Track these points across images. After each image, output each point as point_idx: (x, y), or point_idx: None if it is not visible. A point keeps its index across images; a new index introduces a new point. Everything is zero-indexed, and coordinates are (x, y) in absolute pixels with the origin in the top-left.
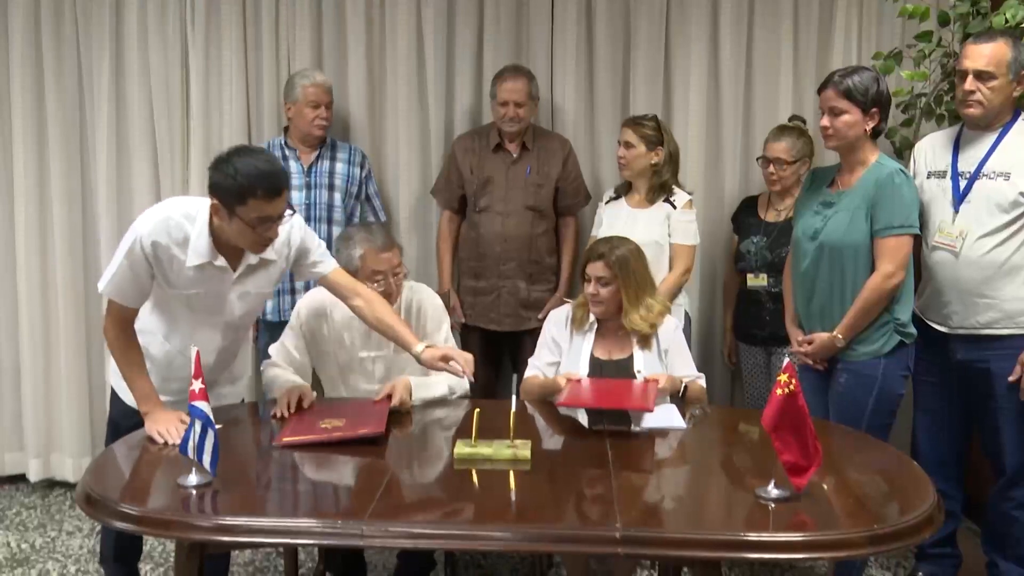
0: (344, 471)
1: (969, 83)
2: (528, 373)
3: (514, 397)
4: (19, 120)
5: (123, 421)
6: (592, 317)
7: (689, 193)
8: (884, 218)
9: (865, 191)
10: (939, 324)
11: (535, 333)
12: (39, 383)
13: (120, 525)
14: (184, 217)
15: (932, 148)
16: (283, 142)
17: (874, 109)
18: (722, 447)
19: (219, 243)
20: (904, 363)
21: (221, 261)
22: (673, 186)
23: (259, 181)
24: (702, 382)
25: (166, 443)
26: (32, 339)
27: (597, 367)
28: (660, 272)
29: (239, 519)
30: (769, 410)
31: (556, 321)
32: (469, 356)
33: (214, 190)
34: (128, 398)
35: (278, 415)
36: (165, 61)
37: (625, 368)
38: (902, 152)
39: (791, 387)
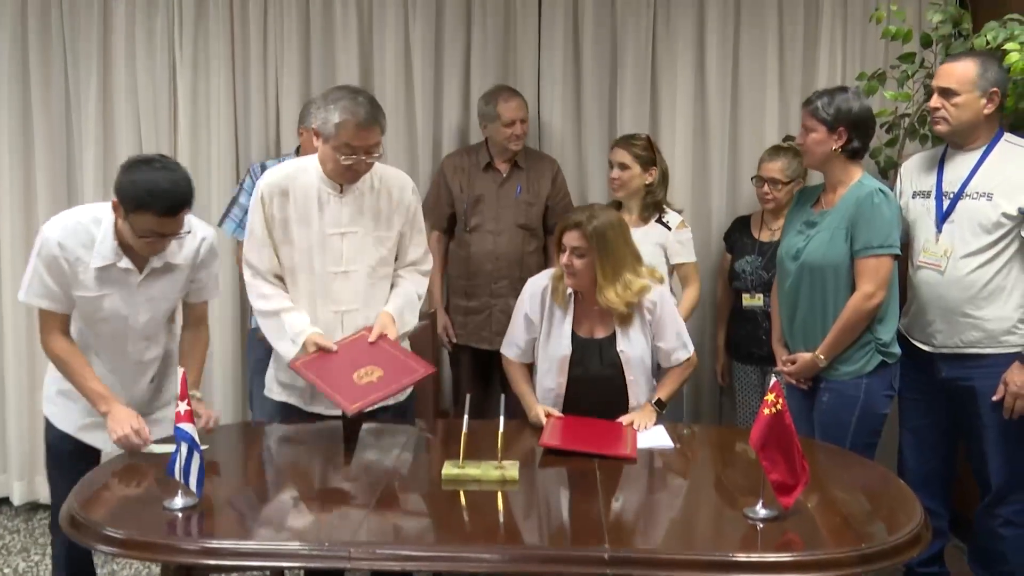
0: (331, 492)
1: (934, 100)
2: (508, 353)
3: (502, 418)
4: (5, 138)
5: (61, 445)
6: (570, 289)
7: (679, 211)
8: (863, 238)
9: (845, 211)
10: (923, 343)
11: None
12: (23, 404)
13: (105, 548)
14: (92, 221)
15: (917, 168)
16: None
17: (840, 128)
18: (710, 467)
19: (124, 245)
20: (887, 382)
21: (126, 262)
22: (664, 205)
23: (155, 200)
24: (683, 354)
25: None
26: (16, 359)
27: (580, 346)
28: None
29: (225, 542)
30: (756, 429)
31: (531, 295)
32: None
33: (116, 188)
34: (61, 423)
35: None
36: (153, 81)
37: (608, 347)
38: (887, 172)
39: (778, 406)
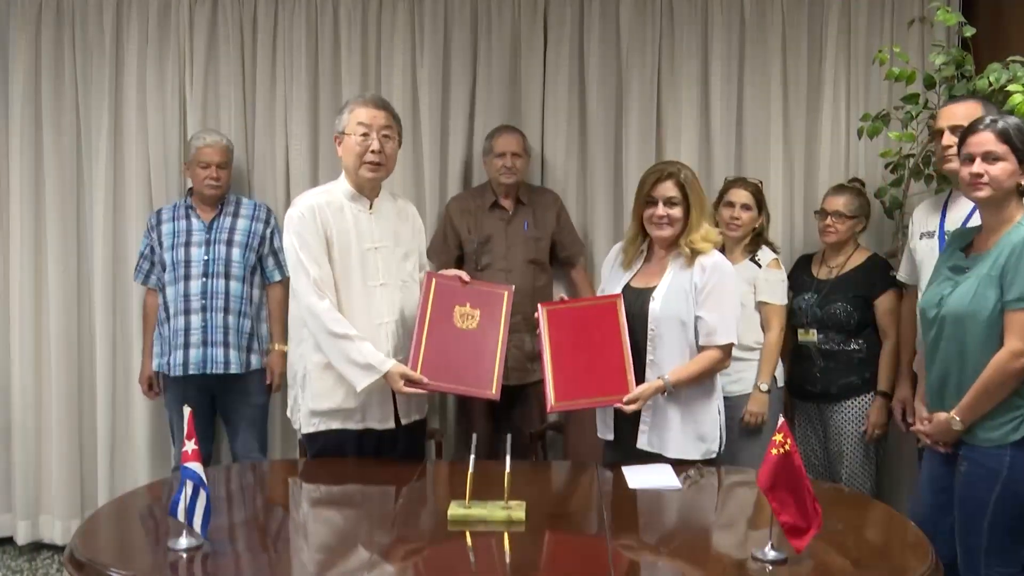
0: (336, 534)
1: (946, 138)
2: None
3: (508, 458)
4: (16, 179)
5: None
6: (644, 251)
7: (776, 251)
8: (1015, 288)
9: (999, 255)
10: None
11: (538, 385)
12: (29, 444)
13: None
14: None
15: (924, 210)
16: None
17: None
18: (719, 507)
19: None
20: None
21: None
22: (763, 243)
23: None
24: (721, 338)
25: None
26: (23, 399)
27: (627, 294)
28: (746, 333)
29: None
30: (764, 470)
31: (607, 263)
32: None
33: None
34: None
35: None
36: (163, 122)
37: (646, 295)
38: (892, 212)
39: (786, 447)
